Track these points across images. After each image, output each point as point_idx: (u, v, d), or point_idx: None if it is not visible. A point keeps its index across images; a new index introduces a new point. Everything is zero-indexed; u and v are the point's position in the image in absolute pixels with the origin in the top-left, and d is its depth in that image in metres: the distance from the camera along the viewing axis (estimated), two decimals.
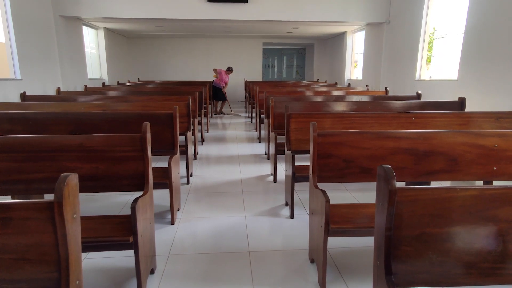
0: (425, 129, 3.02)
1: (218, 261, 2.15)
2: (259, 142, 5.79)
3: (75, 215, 0.99)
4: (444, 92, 5.51)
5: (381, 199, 1.11)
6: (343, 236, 1.85)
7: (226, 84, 8.88)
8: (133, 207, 1.65)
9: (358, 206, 2.07)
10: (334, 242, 2.37)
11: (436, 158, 2.10)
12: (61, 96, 4.52)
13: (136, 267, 1.70)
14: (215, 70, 8.99)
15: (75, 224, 0.99)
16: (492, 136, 2.12)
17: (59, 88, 5.12)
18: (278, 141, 3.72)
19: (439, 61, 6.18)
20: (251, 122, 7.95)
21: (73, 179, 0.98)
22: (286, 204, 3.05)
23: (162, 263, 2.13)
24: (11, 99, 5.00)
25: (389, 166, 1.10)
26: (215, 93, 8.82)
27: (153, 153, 2.76)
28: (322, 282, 1.90)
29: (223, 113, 9.25)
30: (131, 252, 2.21)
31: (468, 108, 4.38)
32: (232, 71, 9.05)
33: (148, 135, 1.91)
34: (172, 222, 2.67)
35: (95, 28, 8.95)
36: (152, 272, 2.01)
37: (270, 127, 4.14)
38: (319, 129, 2.49)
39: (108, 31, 9.61)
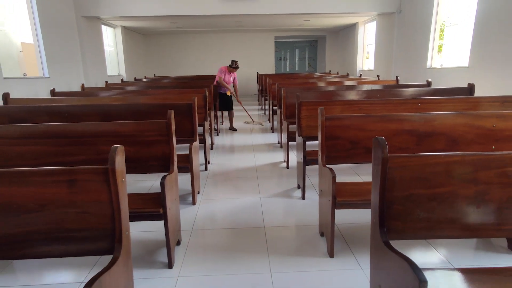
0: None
1: (236, 235, 2.39)
2: (272, 132, 5.99)
3: (123, 180, 1.23)
4: (455, 79, 5.56)
5: (376, 165, 1.30)
6: (349, 208, 2.05)
7: (234, 85, 6.15)
8: (162, 183, 1.89)
9: (364, 184, 2.25)
10: (342, 218, 2.57)
11: (437, 138, 2.26)
12: (86, 92, 4.83)
13: (166, 235, 1.95)
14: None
15: (123, 187, 1.23)
16: (491, 117, 2.26)
17: (83, 84, 5.45)
18: (290, 130, 3.91)
19: (451, 49, 6.20)
20: (264, 114, 8.14)
21: (121, 150, 1.22)
22: (298, 187, 3.25)
23: (187, 236, 2.38)
24: (41, 95, 5.36)
25: (383, 137, 1.29)
26: (222, 102, 6.14)
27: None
28: (331, 251, 2.10)
29: (234, 129, 6.31)
30: (160, 227, 2.48)
31: (478, 94, 4.45)
32: (236, 67, 5.89)
33: (173, 121, 2.15)
34: (194, 203, 2.92)
35: (113, 26, 9.30)
36: (178, 243, 2.26)
37: (282, 117, 4.33)
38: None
39: (125, 29, 9.95)
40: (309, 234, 2.38)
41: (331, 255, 2.10)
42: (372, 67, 9.32)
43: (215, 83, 5.98)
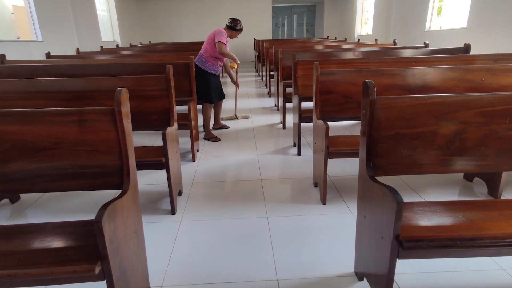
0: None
1: (235, 187, 2.53)
2: (269, 96, 6.03)
3: (128, 120, 1.32)
4: (453, 41, 5.54)
5: (364, 107, 1.39)
6: (341, 157, 2.17)
7: (224, 56, 3.55)
8: (163, 133, 1.99)
9: (355, 137, 2.36)
10: (334, 170, 2.71)
11: (427, 92, 2.34)
12: (82, 55, 4.80)
13: (168, 183, 2.08)
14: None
15: (129, 126, 1.32)
16: (479, 71, 2.33)
17: (78, 48, 5.39)
18: (286, 91, 3.96)
19: (450, 10, 6.11)
20: (262, 80, 8.12)
21: (125, 91, 1.29)
22: (294, 145, 3.37)
23: (188, 188, 2.52)
24: (36, 58, 5.31)
25: (372, 81, 1.37)
26: (218, 88, 3.66)
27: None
28: (323, 199, 2.25)
29: (225, 126, 4.10)
30: (162, 180, 2.62)
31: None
32: (239, 29, 3.64)
33: (171, 77, 2.21)
34: (193, 160, 3.05)
35: None
36: (180, 193, 2.40)
37: (278, 79, 4.37)
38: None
39: None
40: (303, 185, 2.53)
41: (323, 202, 2.25)
42: (370, 32, 9.18)
43: (209, 54, 3.49)
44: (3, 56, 3.71)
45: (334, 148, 2.11)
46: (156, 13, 12.59)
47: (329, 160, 2.22)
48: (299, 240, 1.85)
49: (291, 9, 14.82)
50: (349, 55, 4.02)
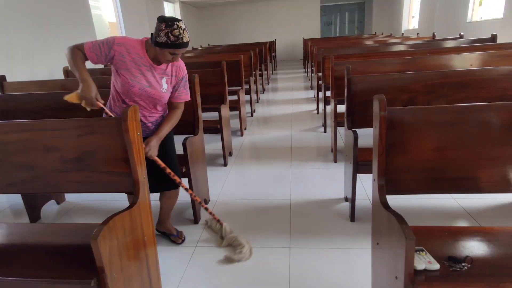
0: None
1: (262, 204, 2.03)
2: (312, 90, 5.73)
3: (138, 133, 1.17)
4: (491, 31, 4.41)
5: (375, 124, 1.05)
6: (370, 173, 1.69)
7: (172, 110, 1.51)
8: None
9: None
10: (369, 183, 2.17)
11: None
12: None
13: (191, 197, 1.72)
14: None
15: (138, 140, 1.17)
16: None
17: None
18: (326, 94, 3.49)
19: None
20: (307, 76, 7.61)
21: (133, 108, 1.13)
22: (332, 151, 2.74)
23: (215, 195, 2.16)
24: None
25: (383, 95, 1.02)
26: None
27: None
28: (351, 215, 1.77)
29: (172, 236, 1.70)
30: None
31: None
32: (165, 43, 1.28)
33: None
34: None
35: (172, 2, 9.22)
36: (206, 202, 1.99)
37: (315, 72, 4.00)
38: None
39: (182, 3, 9.78)
40: (333, 200, 2.00)
41: (351, 219, 1.77)
42: (416, 26, 7.95)
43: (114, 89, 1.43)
44: None
45: (364, 159, 1.68)
46: (214, 19, 12.47)
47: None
48: (323, 259, 1.49)
49: (340, 7, 13.50)
50: (387, 49, 3.46)
